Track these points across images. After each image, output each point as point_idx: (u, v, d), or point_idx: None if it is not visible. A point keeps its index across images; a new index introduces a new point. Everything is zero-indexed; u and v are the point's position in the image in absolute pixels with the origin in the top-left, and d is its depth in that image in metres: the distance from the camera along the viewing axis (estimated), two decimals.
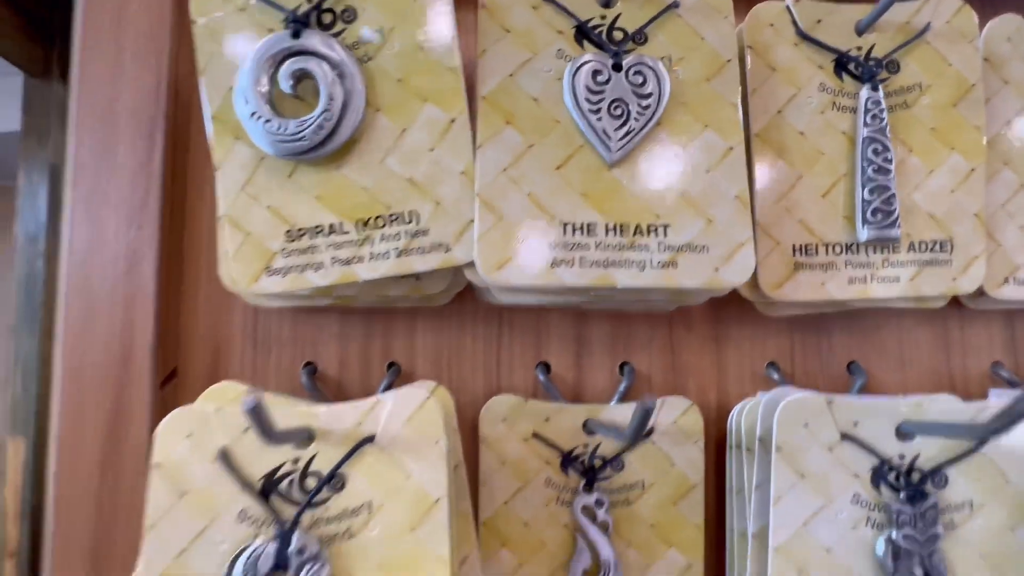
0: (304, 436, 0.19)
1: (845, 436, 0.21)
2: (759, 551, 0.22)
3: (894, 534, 0.20)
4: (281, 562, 0.18)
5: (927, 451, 0.21)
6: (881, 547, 0.20)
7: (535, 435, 0.25)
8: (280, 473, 0.19)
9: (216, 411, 0.19)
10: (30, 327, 2.47)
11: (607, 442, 0.24)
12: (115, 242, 0.25)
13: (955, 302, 0.27)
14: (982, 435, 0.17)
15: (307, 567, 0.18)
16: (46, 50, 2.45)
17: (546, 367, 0.26)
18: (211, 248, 0.26)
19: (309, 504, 0.19)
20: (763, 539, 0.22)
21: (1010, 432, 0.16)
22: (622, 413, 0.25)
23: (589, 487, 0.24)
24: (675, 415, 0.25)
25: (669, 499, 0.24)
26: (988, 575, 0.20)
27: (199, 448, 0.19)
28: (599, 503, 0.24)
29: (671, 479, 0.25)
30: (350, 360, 0.26)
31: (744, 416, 0.24)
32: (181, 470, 0.19)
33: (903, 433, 0.21)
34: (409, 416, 0.19)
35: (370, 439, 0.19)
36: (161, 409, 0.25)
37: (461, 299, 0.26)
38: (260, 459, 0.19)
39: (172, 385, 0.26)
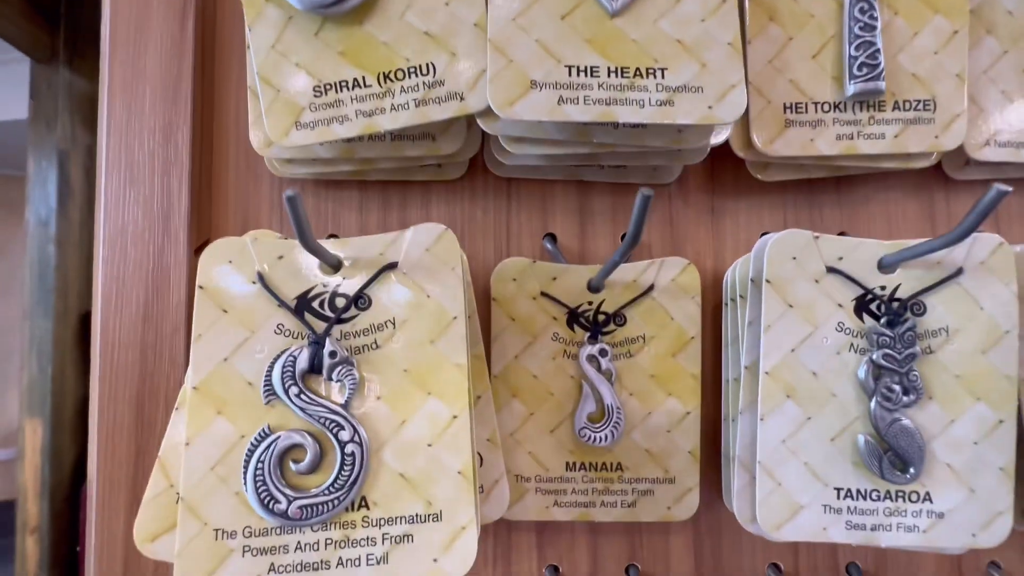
0: (333, 260, 0.21)
1: (831, 269, 0.22)
2: (751, 381, 0.23)
3: (875, 355, 0.22)
4: (315, 365, 0.20)
5: (907, 283, 0.22)
6: (863, 369, 0.22)
7: (543, 294, 0.26)
8: (312, 294, 0.21)
9: (253, 240, 0.21)
10: (44, 311, 2.51)
11: (610, 299, 0.26)
12: (151, 115, 0.27)
13: (941, 174, 0.28)
14: (960, 236, 0.19)
15: (338, 369, 0.20)
16: (52, 35, 2.46)
17: (552, 237, 0.28)
18: (239, 123, 0.28)
19: (339, 319, 0.21)
20: (755, 371, 0.23)
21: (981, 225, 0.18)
22: (623, 273, 0.26)
23: (594, 339, 0.26)
24: (674, 273, 0.26)
25: (668, 351, 0.26)
26: (962, 392, 0.22)
27: (238, 272, 0.21)
28: (603, 352, 0.26)
29: (670, 332, 0.26)
30: (370, 230, 0.28)
31: (738, 268, 0.25)
32: (223, 291, 0.21)
33: (884, 266, 0.22)
34: (428, 246, 0.21)
35: (393, 265, 0.21)
36: (195, 274, 0.27)
37: (472, 175, 0.28)
38: (293, 283, 0.21)
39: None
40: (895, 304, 0.22)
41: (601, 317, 0.26)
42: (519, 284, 0.26)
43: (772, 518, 0.22)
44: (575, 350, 0.26)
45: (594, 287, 0.26)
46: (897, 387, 0.22)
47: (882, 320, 0.22)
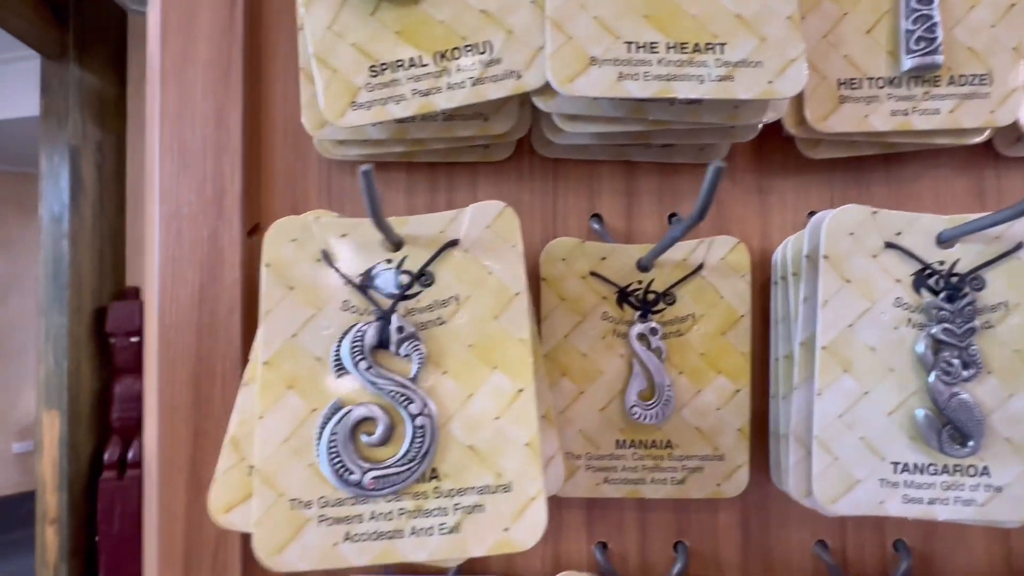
0: (396, 239, 0.21)
1: (888, 244, 0.22)
2: (806, 358, 0.24)
3: (934, 330, 0.22)
4: (383, 340, 0.20)
5: (965, 258, 0.22)
6: (922, 343, 0.22)
7: (592, 273, 0.27)
8: (375, 271, 0.21)
9: (315, 219, 0.22)
10: (59, 306, 2.53)
11: (660, 278, 0.26)
12: (203, 101, 0.27)
13: (991, 151, 0.28)
14: (1021, 211, 0.19)
15: (406, 344, 0.20)
16: (61, 32, 2.46)
17: (599, 218, 0.28)
18: (287, 106, 0.28)
19: (403, 296, 0.21)
20: (810, 346, 0.23)
21: None
22: (672, 252, 0.26)
23: (644, 318, 0.26)
24: (723, 252, 0.26)
25: (718, 329, 0.26)
26: (1021, 367, 0.22)
27: (303, 249, 0.21)
28: (653, 331, 0.26)
29: (720, 311, 0.26)
30: (418, 212, 0.28)
31: (789, 246, 0.25)
32: (288, 269, 0.21)
33: (943, 241, 0.22)
34: (489, 223, 0.21)
35: (455, 242, 0.21)
36: (248, 256, 0.27)
37: (519, 156, 0.28)
38: (357, 261, 0.21)
39: (255, 239, 0.28)
40: (954, 279, 0.22)
41: (651, 296, 0.26)
42: (568, 264, 0.27)
43: (828, 492, 0.22)
44: (625, 329, 0.26)
45: (644, 266, 0.26)
46: (956, 361, 0.22)
47: (941, 295, 0.22)
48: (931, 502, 0.22)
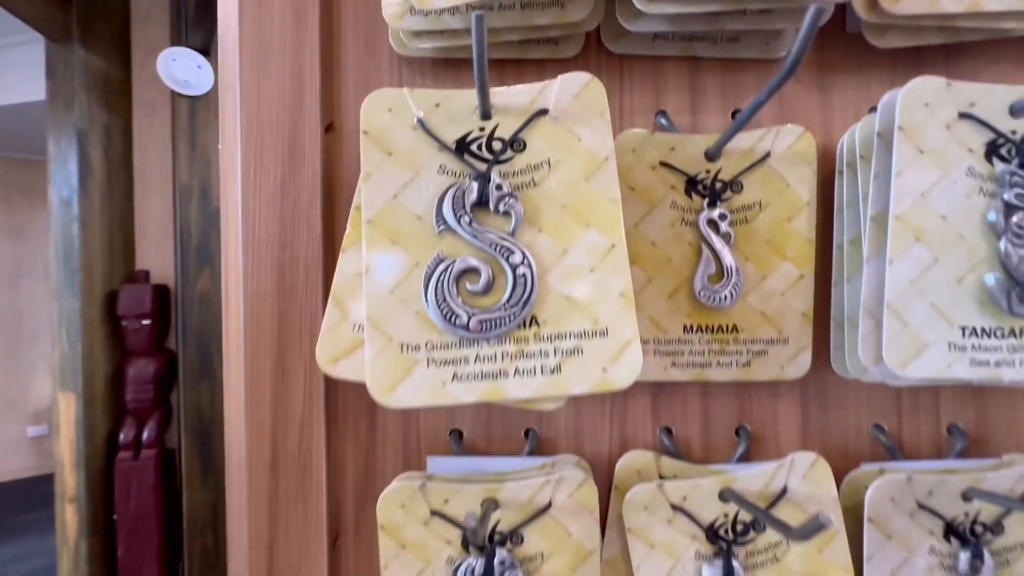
0: (488, 105, 0.22)
1: (963, 115, 0.23)
2: (876, 232, 0.24)
3: (1006, 195, 0.23)
4: (482, 197, 0.21)
5: None
6: (994, 210, 0.23)
7: (662, 163, 0.27)
8: (470, 138, 0.22)
9: (410, 91, 0.22)
10: (71, 290, 2.54)
11: (727, 167, 0.27)
12: (281, 3, 0.27)
13: None
14: None
15: (504, 201, 0.21)
16: (65, 12, 2.43)
17: (664, 114, 0.29)
18: (359, 4, 0.29)
19: (497, 160, 0.22)
20: (881, 220, 0.24)
21: None
22: (739, 141, 0.27)
23: (712, 205, 0.27)
24: (790, 140, 0.27)
25: (784, 216, 0.27)
26: None
27: (399, 118, 0.22)
28: (722, 217, 0.27)
29: (786, 199, 0.27)
30: None
31: (857, 131, 0.26)
32: (385, 135, 0.22)
33: (1016, 111, 0.23)
34: (576, 93, 0.22)
35: (544, 111, 0.22)
36: (325, 152, 0.28)
37: (586, 54, 0.29)
38: (451, 128, 0.22)
39: (331, 135, 0.29)
40: None
41: (719, 185, 0.27)
42: (638, 155, 0.27)
43: (898, 356, 0.23)
44: (693, 217, 0.27)
45: (711, 155, 0.27)
46: None
47: (1014, 162, 0.23)
48: (997, 364, 0.23)
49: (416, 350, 0.20)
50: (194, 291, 2.44)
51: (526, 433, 0.29)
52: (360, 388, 0.22)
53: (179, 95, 2.37)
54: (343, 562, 0.29)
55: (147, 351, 2.31)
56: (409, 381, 0.20)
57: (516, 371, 0.20)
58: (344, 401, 0.28)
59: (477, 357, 0.20)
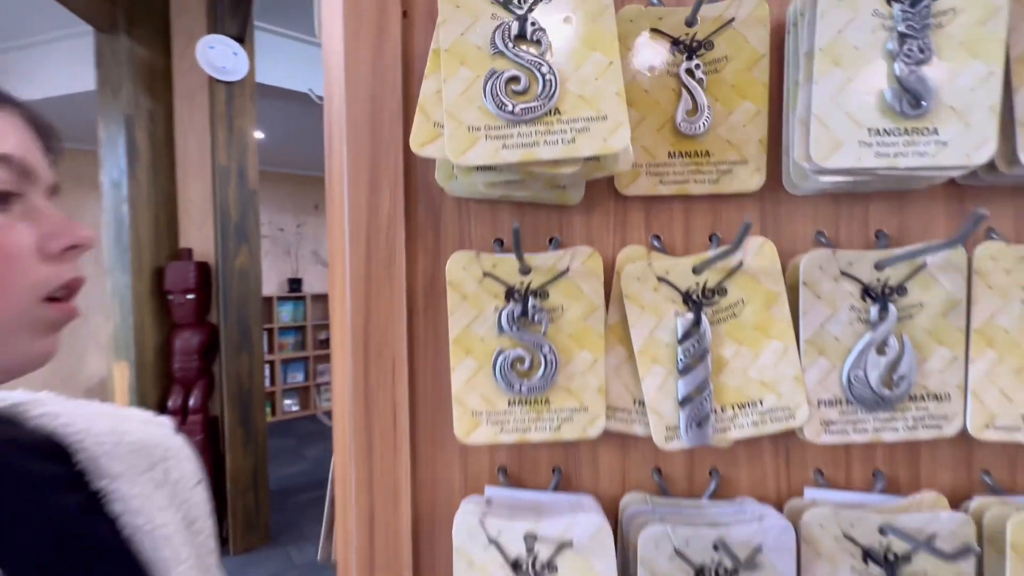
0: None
1: None
2: (808, 63, 0.33)
3: (900, 26, 0.31)
4: (522, 29, 0.31)
5: None
6: (891, 41, 0.31)
7: (653, 29, 0.37)
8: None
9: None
10: (122, 266, 2.72)
11: (702, 29, 0.36)
12: None
13: None
14: None
15: (535, 34, 0.31)
16: (111, 4, 2.58)
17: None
18: None
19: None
20: (811, 56, 0.33)
21: None
22: (712, 10, 0.36)
23: (690, 58, 0.36)
24: (750, 8, 0.36)
25: (744, 67, 0.36)
26: (964, 54, 0.31)
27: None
28: (697, 66, 0.36)
29: (746, 53, 0.36)
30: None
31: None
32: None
33: None
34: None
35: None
36: (404, 35, 0.38)
37: None
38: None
39: (407, 20, 0.39)
40: None
41: (695, 44, 0.36)
42: (635, 23, 0.37)
43: (822, 152, 0.32)
44: (675, 69, 0.36)
45: (689, 21, 0.36)
46: (915, 48, 0.31)
47: (906, 2, 0.31)
48: (896, 155, 0.32)
49: (478, 130, 0.30)
50: (233, 267, 2.61)
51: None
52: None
53: (216, 82, 2.53)
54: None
55: (192, 323, 2.49)
56: (473, 149, 0.30)
57: (545, 141, 0.30)
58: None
59: (519, 133, 0.30)
